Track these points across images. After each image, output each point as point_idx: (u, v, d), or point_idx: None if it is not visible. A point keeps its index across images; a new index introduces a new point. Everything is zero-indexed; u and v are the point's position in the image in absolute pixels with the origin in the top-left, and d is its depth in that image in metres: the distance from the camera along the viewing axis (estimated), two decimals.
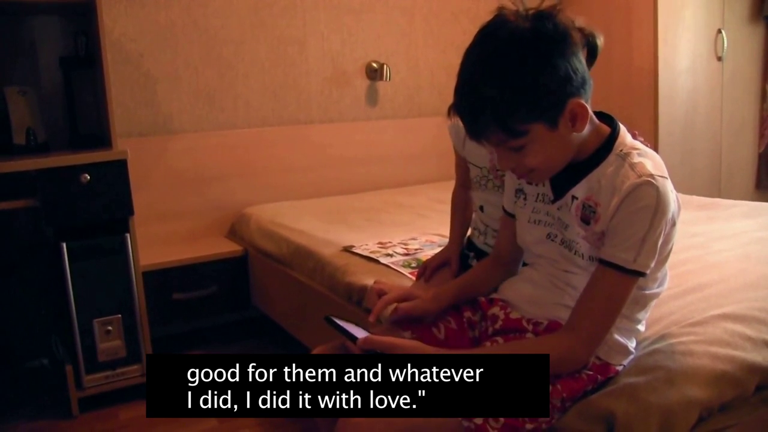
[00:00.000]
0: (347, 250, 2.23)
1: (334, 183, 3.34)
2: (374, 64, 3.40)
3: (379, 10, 3.41)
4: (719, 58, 3.55)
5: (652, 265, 1.12)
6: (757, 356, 1.21)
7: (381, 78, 3.39)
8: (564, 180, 1.20)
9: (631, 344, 1.23)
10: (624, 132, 1.20)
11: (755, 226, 2.11)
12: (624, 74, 3.43)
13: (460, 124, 1.54)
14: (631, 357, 1.23)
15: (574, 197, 1.18)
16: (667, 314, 1.37)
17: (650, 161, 1.12)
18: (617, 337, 1.19)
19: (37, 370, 2.68)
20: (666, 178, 1.10)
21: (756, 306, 1.37)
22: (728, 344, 1.22)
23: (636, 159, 1.12)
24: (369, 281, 1.92)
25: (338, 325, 1.25)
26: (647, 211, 1.08)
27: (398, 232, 2.43)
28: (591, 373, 1.17)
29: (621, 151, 1.15)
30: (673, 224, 1.14)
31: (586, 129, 1.13)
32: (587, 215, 1.16)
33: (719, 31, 3.52)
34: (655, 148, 3.25)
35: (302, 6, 3.22)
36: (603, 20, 3.52)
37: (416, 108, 3.55)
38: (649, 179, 1.08)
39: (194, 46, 2.99)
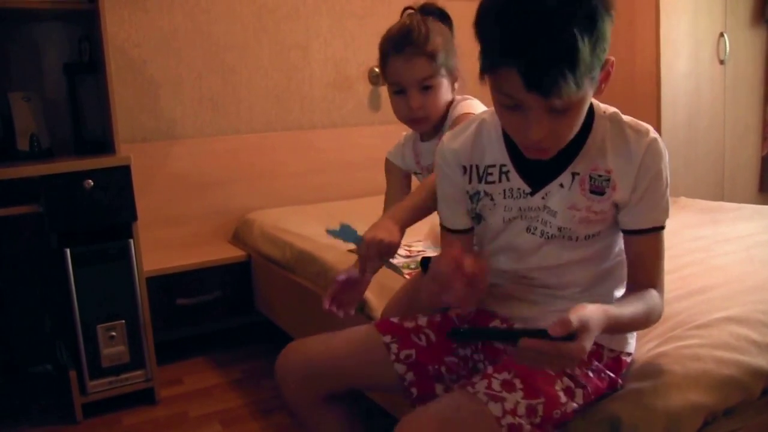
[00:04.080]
0: (353, 251, 2.24)
1: (337, 188, 3.34)
2: (377, 69, 3.41)
3: (382, 14, 3.41)
4: (721, 62, 3.55)
5: None
6: (762, 361, 1.20)
7: (384, 83, 3.39)
8: (550, 164, 1.12)
9: None
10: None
11: (759, 229, 2.10)
12: (627, 78, 3.44)
13: (402, 146, 1.69)
14: (634, 338, 1.24)
15: (574, 174, 1.12)
16: (671, 315, 1.37)
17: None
18: None
19: (41, 375, 2.68)
20: None
21: (761, 309, 1.37)
22: (734, 348, 1.21)
23: (627, 118, 1.14)
24: (369, 292, 1.92)
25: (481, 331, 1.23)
26: (664, 166, 1.11)
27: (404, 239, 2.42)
28: (612, 375, 1.17)
29: (605, 113, 1.14)
30: None
31: None
32: (599, 186, 1.12)
33: (721, 35, 3.52)
34: None
35: (305, 11, 3.22)
36: None
37: None
38: (654, 134, 1.11)
39: (197, 52, 3.00)
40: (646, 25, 3.32)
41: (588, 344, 0.94)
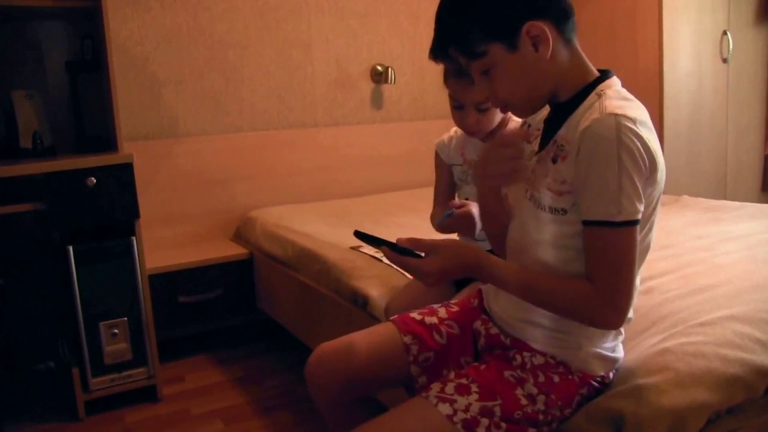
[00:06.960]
0: (355, 248, 2.24)
1: (339, 186, 3.34)
2: (379, 67, 3.40)
3: (384, 13, 3.41)
4: (724, 60, 3.55)
5: (642, 208, 1.03)
6: (766, 359, 1.20)
7: (386, 81, 3.39)
8: (551, 129, 1.16)
9: (611, 347, 1.19)
10: (616, 80, 1.14)
11: (761, 228, 2.10)
12: (629, 76, 3.43)
13: (451, 137, 1.74)
14: (619, 362, 1.20)
15: (556, 142, 1.14)
16: (674, 312, 1.37)
17: (631, 107, 1.05)
18: (593, 349, 1.16)
19: (44, 373, 2.68)
20: (642, 123, 1.03)
21: (764, 308, 1.37)
22: (739, 347, 1.21)
23: (613, 100, 1.05)
24: (371, 289, 1.92)
25: (369, 236, 1.22)
26: (609, 149, 1.00)
27: (404, 234, 2.42)
28: (581, 374, 1.16)
29: (602, 90, 1.10)
30: (655, 169, 1.05)
31: (566, 61, 1.11)
32: (557, 154, 1.11)
33: (724, 33, 3.51)
34: (661, 150, 3.25)
35: (307, 9, 3.22)
36: (608, 22, 3.51)
37: (421, 111, 3.55)
38: (608, 117, 1.01)
39: (200, 50, 3.00)
40: (649, 23, 3.31)
41: (433, 267, 1.12)
